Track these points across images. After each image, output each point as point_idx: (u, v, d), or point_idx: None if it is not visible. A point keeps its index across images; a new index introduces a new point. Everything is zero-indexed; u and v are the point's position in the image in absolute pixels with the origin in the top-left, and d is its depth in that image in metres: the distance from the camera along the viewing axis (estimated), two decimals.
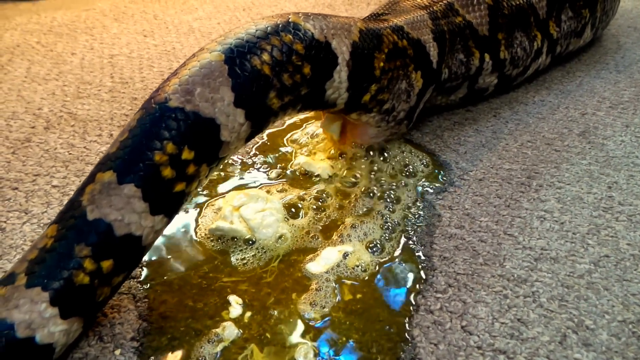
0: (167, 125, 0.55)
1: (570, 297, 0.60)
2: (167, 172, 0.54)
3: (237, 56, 0.59)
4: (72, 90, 1.12)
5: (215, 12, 1.67)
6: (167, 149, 0.54)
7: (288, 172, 0.82)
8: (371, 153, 0.87)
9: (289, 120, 0.99)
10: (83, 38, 1.42)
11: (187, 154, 0.55)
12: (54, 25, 1.52)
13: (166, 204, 0.56)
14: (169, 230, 0.70)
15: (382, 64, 0.74)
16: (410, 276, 0.63)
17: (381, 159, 0.86)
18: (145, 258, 0.65)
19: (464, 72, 0.94)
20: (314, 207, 0.74)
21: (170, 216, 0.57)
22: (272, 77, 0.61)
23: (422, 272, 0.64)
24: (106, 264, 0.51)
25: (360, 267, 0.64)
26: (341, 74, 0.68)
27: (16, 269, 0.50)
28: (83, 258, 0.50)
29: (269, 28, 0.63)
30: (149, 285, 0.61)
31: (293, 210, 0.73)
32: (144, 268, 0.64)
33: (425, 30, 0.83)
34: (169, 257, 0.65)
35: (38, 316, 0.48)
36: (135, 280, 0.62)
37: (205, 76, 0.57)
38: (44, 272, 0.49)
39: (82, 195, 0.53)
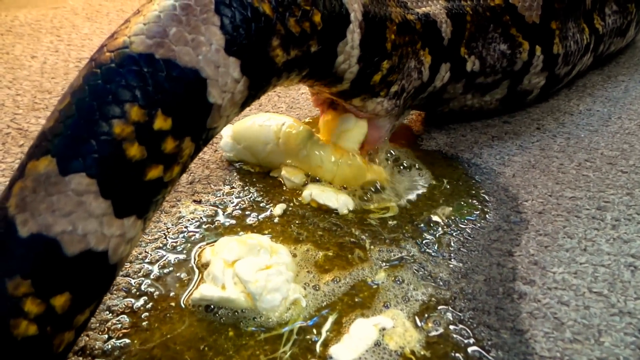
0: (128, 81, 0.38)
1: None
2: (134, 150, 0.38)
3: None
4: (26, 100, 0.92)
5: None
6: (132, 115, 0.37)
7: (294, 203, 0.64)
8: (398, 181, 0.69)
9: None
10: (47, 39, 1.23)
11: (161, 122, 0.39)
12: (15, 24, 1.32)
13: (137, 199, 0.39)
14: (145, 290, 0.51)
15: (393, 37, 0.61)
16: None
17: (412, 189, 0.68)
18: (100, 344, 0.46)
19: (506, 66, 0.77)
20: (333, 254, 0.56)
21: (145, 217, 0.40)
22: (274, 18, 0.46)
23: (492, 356, 0.46)
24: (60, 301, 0.36)
25: (406, 348, 0.46)
26: (354, 36, 0.55)
27: None
28: (21, 298, 0.34)
29: None
30: None
31: (307, 262, 0.55)
32: (92, 358, 0.44)
33: (435, 7, 0.70)
34: (135, 340, 0.46)
35: None
36: None
37: (183, 11, 0.41)
38: None
39: (8, 200, 0.36)
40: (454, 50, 0.72)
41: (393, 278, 0.53)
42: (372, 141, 0.69)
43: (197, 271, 0.54)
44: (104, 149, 0.36)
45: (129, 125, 0.37)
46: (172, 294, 0.51)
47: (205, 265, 0.53)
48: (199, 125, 0.42)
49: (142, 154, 0.38)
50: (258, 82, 0.47)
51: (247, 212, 0.63)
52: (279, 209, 0.63)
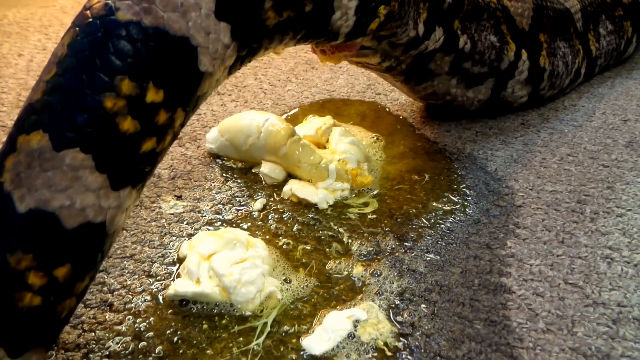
0: (117, 51, 0.37)
1: None
2: (128, 124, 0.37)
3: None
4: (11, 98, 0.92)
5: None
6: (123, 88, 0.37)
7: (274, 199, 0.64)
8: (380, 174, 0.69)
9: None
10: (35, 37, 1.23)
11: (153, 95, 0.39)
12: (3, 23, 1.32)
13: (132, 171, 0.39)
14: (121, 284, 0.51)
15: None
16: (450, 354, 0.45)
17: (393, 181, 0.68)
18: (74, 337, 0.46)
19: (494, 59, 0.77)
20: (311, 248, 0.56)
21: (139, 186, 0.41)
22: None
23: (465, 347, 0.46)
24: (62, 272, 0.36)
25: (379, 340, 0.46)
26: None
27: None
28: (24, 271, 0.35)
29: None
30: None
31: (284, 255, 0.55)
32: (65, 352, 0.44)
33: None
34: (108, 334, 0.46)
35: None
36: None
37: None
38: None
39: (2, 175, 0.36)
40: (450, 18, 0.70)
41: (370, 271, 0.53)
42: (340, 50, 0.65)
43: (174, 266, 0.54)
44: (97, 123, 0.36)
45: (121, 99, 0.37)
46: (148, 288, 0.51)
47: (183, 260, 0.53)
48: (189, 94, 0.42)
49: (135, 127, 0.38)
50: (247, 46, 0.45)
51: (228, 207, 0.64)
52: (259, 204, 0.63)
